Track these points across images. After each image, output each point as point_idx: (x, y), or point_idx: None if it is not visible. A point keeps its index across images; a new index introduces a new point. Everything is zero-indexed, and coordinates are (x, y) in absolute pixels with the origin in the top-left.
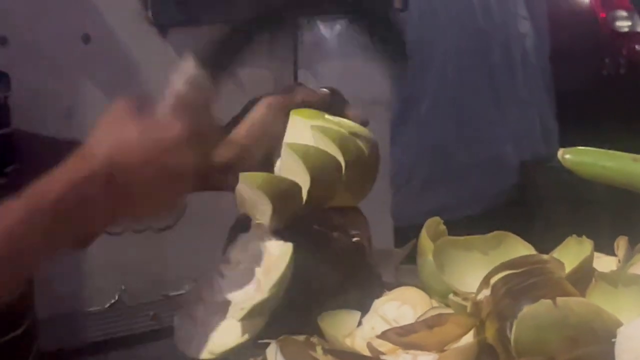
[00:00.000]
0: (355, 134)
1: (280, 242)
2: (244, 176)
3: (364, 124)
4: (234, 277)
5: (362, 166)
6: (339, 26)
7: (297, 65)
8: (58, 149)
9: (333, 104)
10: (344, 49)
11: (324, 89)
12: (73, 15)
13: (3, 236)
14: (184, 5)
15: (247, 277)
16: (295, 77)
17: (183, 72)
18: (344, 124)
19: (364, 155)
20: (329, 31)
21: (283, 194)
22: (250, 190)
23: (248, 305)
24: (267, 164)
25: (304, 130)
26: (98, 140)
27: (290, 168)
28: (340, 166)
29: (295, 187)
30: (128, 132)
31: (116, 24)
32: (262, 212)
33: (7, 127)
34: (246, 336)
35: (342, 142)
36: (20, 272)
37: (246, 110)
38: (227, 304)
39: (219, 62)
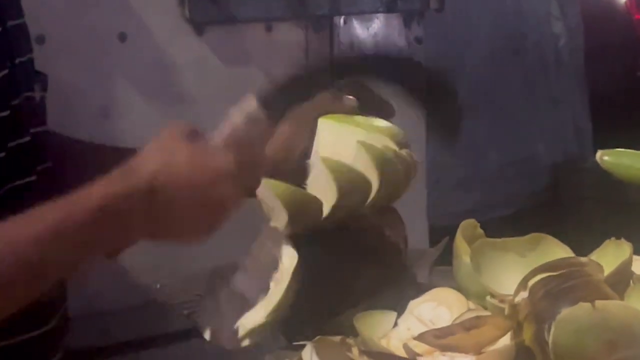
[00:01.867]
0: (396, 154)
1: (289, 251)
2: (266, 182)
3: (391, 113)
4: (254, 274)
5: (394, 185)
6: (374, 25)
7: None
8: (90, 152)
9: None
10: (379, 49)
11: (350, 97)
12: (109, 14)
13: (35, 241)
14: (220, 3)
15: (264, 277)
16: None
17: (242, 108)
18: (386, 139)
19: (399, 176)
20: (365, 31)
21: (302, 207)
22: (269, 196)
23: (248, 326)
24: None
25: (335, 135)
26: (145, 158)
27: (320, 181)
28: (370, 189)
29: (316, 203)
30: (177, 154)
31: (152, 23)
32: (278, 218)
33: (43, 125)
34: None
35: (382, 164)
36: (50, 277)
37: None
38: (244, 297)
39: (278, 104)
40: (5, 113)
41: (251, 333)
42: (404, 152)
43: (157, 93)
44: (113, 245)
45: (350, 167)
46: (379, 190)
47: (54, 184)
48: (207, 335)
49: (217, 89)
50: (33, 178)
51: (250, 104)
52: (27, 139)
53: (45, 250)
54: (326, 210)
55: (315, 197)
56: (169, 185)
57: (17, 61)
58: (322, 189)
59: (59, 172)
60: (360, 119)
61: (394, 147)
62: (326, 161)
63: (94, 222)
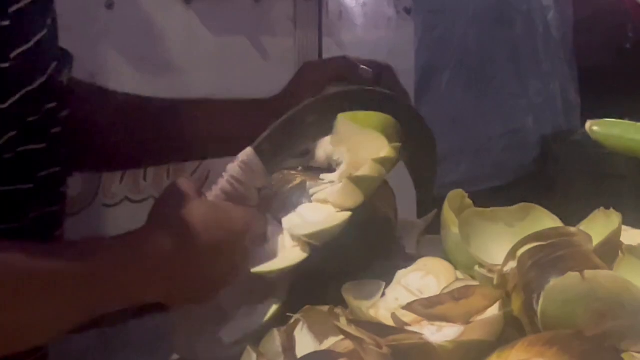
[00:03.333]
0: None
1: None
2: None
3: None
4: (236, 287)
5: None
6: None
7: (321, 34)
8: (108, 99)
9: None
10: (368, 18)
11: (365, 68)
12: None
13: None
14: None
15: (245, 291)
16: (320, 46)
17: (239, 159)
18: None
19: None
20: (353, 0)
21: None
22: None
23: (245, 330)
24: None
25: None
26: (162, 221)
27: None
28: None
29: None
30: (193, 211)
31: None
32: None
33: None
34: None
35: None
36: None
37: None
38: (221, 310)
39: (274, 149)
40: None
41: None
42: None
43: (144, 61)
44: (126, 303)
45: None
46: None
47: (79, 131)
48: (179, 350)
49: (205, 58)
50: (58, 129)
51: (245, 154)
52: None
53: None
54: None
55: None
56: (191, 246)
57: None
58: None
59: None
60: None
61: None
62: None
63: (115, 276)
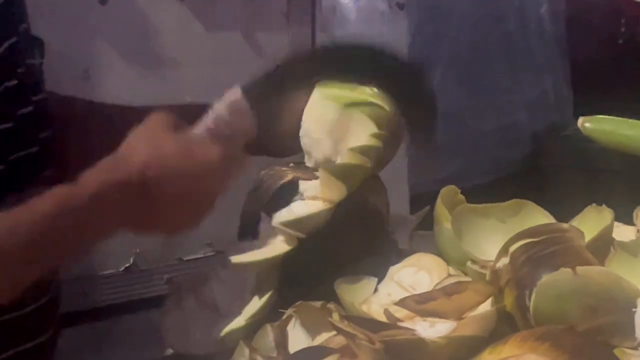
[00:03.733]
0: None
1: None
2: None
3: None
4: (230, 284)
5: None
6: None
7: (315, 29)
8: (93, 113)
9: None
10: (361, 13)
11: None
12: None
13: (30, 230)
14: None
15: (240, 287)
16: (313, 41)
17: (226, 99)
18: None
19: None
20: None
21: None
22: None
23: (227, 329)
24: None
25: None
26: (134, 148)
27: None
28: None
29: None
30: (165, 145)
31: None
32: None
33: (42, 93)
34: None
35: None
36: (44, 265)
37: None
38: (216, 305)
39: (263, 95)
40: (14, 82)
41: (229, 336)
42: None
43: (138, 56)
44: (101, 234)
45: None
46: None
47: (60, 152)
48: (172, 344)
49: (198, 54)
50: (36, 150)
51: (234, 94)
52: (30, 108)
53: (42, 237)
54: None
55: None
56: (159, 176)
57: (21, 28)
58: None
59: (60, 138)
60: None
61: (378, 131)
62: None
63: (87, 211)
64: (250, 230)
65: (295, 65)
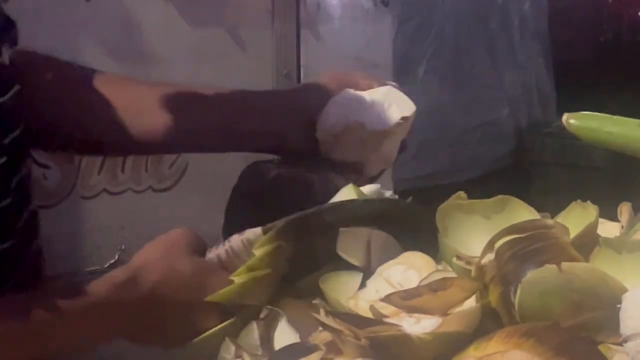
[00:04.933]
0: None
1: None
2: None
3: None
4: None
5: None
6: None
7: (300, 26)
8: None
9: None
10: (346, 10)
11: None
12: None
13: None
14: None
15: None
16: (298, 38)
17: (245, 235)
18: None
19: None
20: None
21: None
22: None
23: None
24: None
25: None
26: (150, 264)
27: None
28: None
29: None
30: (181, 268)
31: None
32: None
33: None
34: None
35: None
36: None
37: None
38: None
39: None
40: None
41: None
42: None
43: (123, 53)
44: (99, 340)
45: None
46: None
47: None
48: None
49: (183, 50)
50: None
51: (254, 232)
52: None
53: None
54: None
55: None
56: (169, 297)
57: None
58: None
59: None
60: None
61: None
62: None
63: (91, 318)
64: (234, 227)
65: (322, 216)
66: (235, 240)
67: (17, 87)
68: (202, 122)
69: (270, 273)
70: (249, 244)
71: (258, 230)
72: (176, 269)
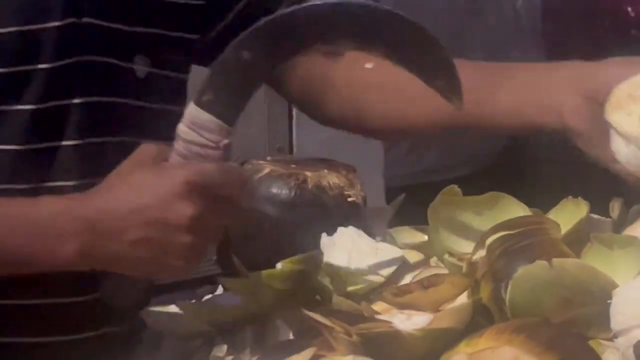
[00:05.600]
0: None
1: None
2: None
3: None
4: None
5: None
6: None
7: None
8: None
9: None
10: None
11: None
12: None
13: None
14: None
15: None
16: None
17: (185, 116)
18: None
19: None
20: None
21: None
22: None
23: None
24: None
25: None
26: (111, 180)
27: None
28: None
29: None
30: (130, 177)
31: None
32: None
33: None
34: None
35: None
36: None
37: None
38: None
39: (222, 102)
40: None
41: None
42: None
43: None
44: (52, 262)
45: None
46: None
47: None
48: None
49: None
50: None
51: (189, 110)
52: None
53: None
54: None
55: None
56: (115, 205)
57: None
58: None
59: None
60: None
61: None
62: None
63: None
64: None
65: (237, 53)
66: (181, 128)
67: None
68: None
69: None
70: (193, 123)
71: (191, 105)
72: (126, 181)
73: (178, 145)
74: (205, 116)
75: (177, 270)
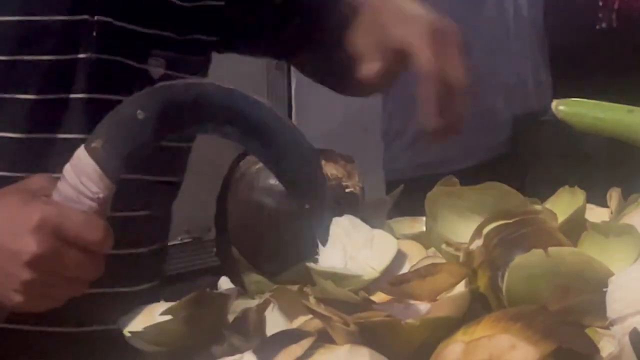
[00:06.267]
0: None
1: None
2: None
3: None
4: None
5: None
6: None
7: None
8: None
9: None
10: None
11: None
12: None
13: None
14: None
15: None
16: None
17: (73, 157)
18: None
19: None
20: None
21: None
22: None
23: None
24: None
25: None
26: None
27: None
28: None
29: None
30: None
31: None
32: None
33: None
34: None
35: None
36: None
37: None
38: None
39: (110, 155)
40: None
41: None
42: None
43: None
44: None
45: None
46: None
47: None
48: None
49: None
50: None
51: (77, 153)
52: None
53: None
54: None
55: None
56: None
57: None
58: None
59: None
60: None
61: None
62: None
63: None
64: (224, 216)
65: (132, 111)
66: (66, 167)
67: None
68: None
69: None
70: (76, 167)
71: (80, 149)
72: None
73: (61, 184)
74: (88, 161)
75: (18, 305)
